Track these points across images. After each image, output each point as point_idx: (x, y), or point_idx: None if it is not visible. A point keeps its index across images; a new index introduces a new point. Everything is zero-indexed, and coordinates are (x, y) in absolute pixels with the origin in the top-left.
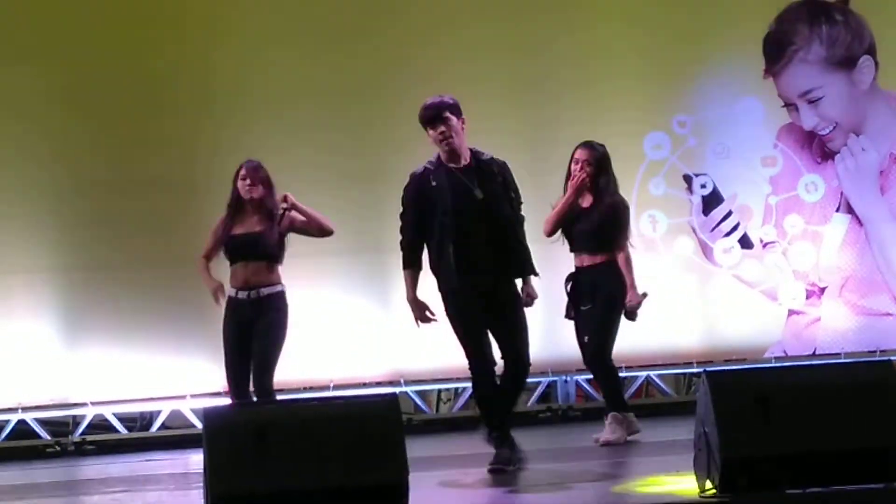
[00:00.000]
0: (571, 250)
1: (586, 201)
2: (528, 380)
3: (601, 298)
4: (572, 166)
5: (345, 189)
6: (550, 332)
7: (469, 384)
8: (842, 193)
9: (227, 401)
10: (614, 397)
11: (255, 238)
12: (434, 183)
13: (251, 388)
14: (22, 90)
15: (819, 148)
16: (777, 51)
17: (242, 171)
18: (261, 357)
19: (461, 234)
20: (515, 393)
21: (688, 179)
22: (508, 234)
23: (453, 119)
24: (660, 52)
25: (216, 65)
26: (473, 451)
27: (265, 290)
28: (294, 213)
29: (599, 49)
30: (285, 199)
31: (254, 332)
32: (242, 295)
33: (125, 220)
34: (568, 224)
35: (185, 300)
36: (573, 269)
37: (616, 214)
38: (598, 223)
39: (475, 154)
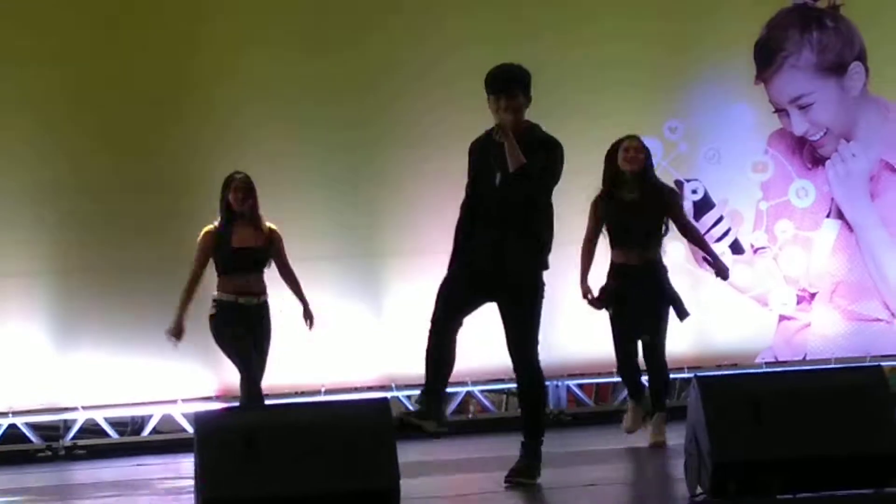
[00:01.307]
0: (618, 245)
1: (633, 192)
2: None
3: (659, 295)
4: (621, 154)
5: (337, 193)
6: (542, 337)
7: (460, 388)
8: (832, 199)
9: (218, 405)
10: (663, 397)
11: (258, 252)
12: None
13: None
14: (10, 94)
15: (810, 154)
16: (768, 57)
17: (234, 184)
18: (262, 363)
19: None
20: (528, 409)
21: (679, 185)
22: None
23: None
24: (651, 57)
25: (210, 69)
26: (466, 456)
27: (264, 298)
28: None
29: (591, 54)
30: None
31: (255, 337)
32: (244, 300)
33: (116, 224)
34: (614, 217)
35: (176, 304)
36: (611, 266)
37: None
38: (659, 218)
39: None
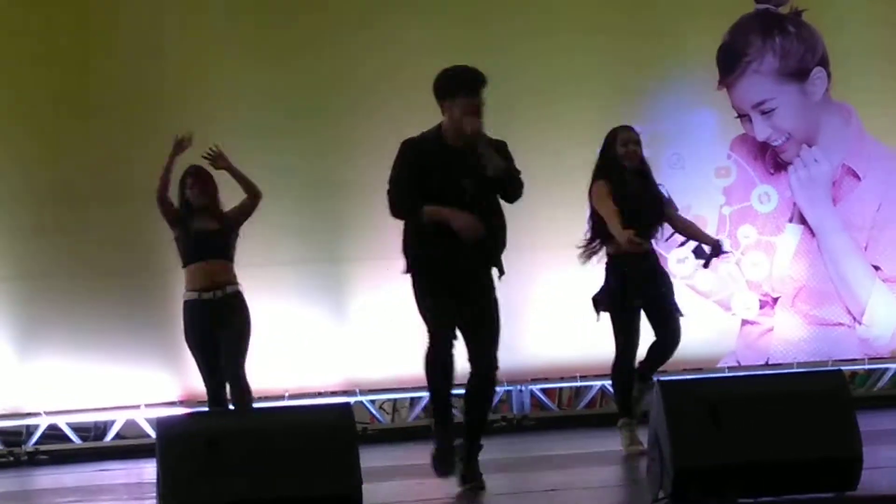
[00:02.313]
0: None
1: (634, 184)
2: None
3: (667, 286)
4: (620, 149)
5: (300, 198)
6: (506, 341)
7: (426, 393)
8: (794, 204)
9: (182, 410)
10: None
11: (217, 235)
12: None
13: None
14: None
15: (772, 159)
16: (730, 62)
17: (189, 179)
18: (233, 358)
19: None
20: (474, 402)
21: None
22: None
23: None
24: (614, 63)
25: (179, 75)
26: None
27: (232, 288)
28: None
29: (554, 59)
30: (213, 149)
31: (223, 332)
32: (207, 295)
33: (79, 230)
34: (631, 206)
35: (139, 310)
36: (621, 258)
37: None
38: (659, 206)
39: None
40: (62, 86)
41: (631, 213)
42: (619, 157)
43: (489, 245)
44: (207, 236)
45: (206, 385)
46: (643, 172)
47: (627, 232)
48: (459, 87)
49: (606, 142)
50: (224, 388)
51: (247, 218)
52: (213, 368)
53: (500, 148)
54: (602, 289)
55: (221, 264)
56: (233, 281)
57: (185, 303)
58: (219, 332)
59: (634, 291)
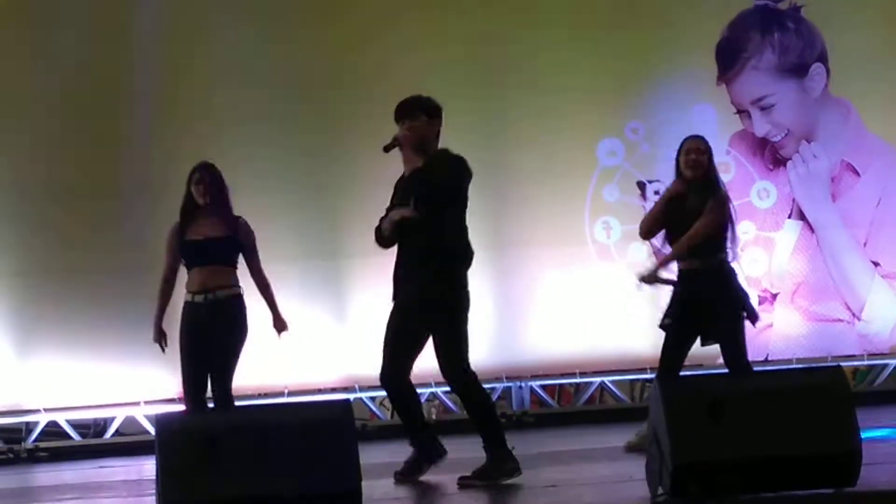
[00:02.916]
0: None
1: (695, 199)
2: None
3: (729, 304)
4: (682, 158)
5: (300, 195)
6: (505, 338)
7: (424, 390)
8: (794, 200)
9: (181, 407)
10: None
11: (213, 243)
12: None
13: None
14: None
15: (771, 155)
16: (729, 58)
17: (196, 175)
18: (223, 365)
19: None
20: (469, 409)
21: (641, 186)
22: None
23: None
24: (613, 58)
25: (170, 70)
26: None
27: (226, 293)
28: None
29: (553, 55)
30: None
31: (213, 336)
32: (199, 298)
33: (78, 227)
34: (676, 221)
35: (139, 306)
36: (678, 273)
37: (729, 214)
38: (718, 223)
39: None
40: (57, 83)
41: (678, 233)
42: (681, 166)
43: (429, 265)
44: (200, 244)
45: (184, 388)
46: (709, 184)
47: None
48: (396, 118)
49: (679, 151)
50: (204, 393)
51: (250, 255)
52: (194, 374)
53: (440, 158)
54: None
55: (220, 269)
56: (229, 284)
57: (184, 303)
58: (210, 337)
59: (670, 310)
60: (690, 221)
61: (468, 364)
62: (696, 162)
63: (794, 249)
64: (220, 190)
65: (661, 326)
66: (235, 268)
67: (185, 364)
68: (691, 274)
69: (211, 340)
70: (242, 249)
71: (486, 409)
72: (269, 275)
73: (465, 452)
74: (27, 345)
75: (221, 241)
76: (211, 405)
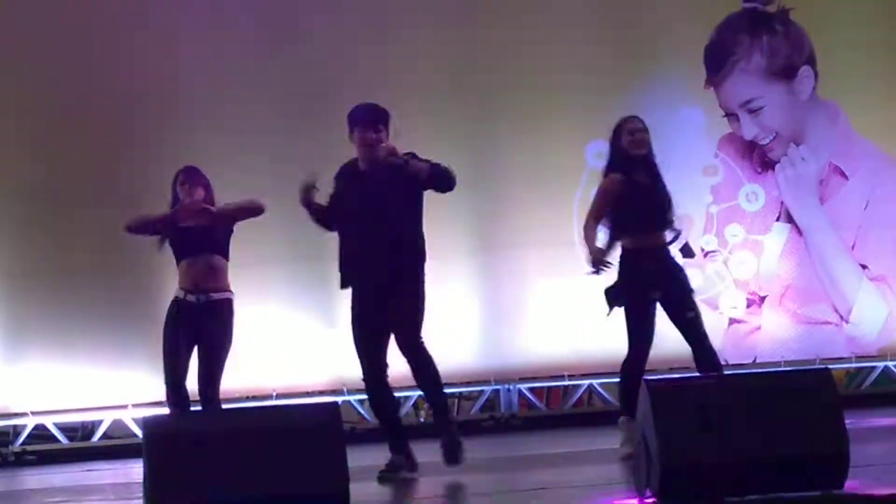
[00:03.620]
0: (641, 230)
1: (641, 176)
2: (471, 388)
3: (685, 279)
4: (626, 137)
5: (286, 197)
6: (493, 341)
7: (412, 392)
8: (782, 203)
9: (168, 410)
10: None
11: (206, 230)
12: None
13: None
14: None
15: (759, 158)
16: (718, 61)
17: (181, 177)
18: (208, 367)
19: None
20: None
21: None
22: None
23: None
24: (601, 60)
25: (162, 80)
26: (418, 460)
27: (216, 296)
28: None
29: (541, 57)
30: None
31: (204, 336)
32: (191, 298)
33: (66, 230)
34: (633, 202)
35: (127, 309)
36: (637, 251)
37: (611, 192)
38: (670, 199)
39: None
40: (55, 85)
41: (647, 210)
42: (626, 146)
43: (396, 259)
44: (197, 231)
45: (167, 384)
46: (651, 160)
47: (597, 252)
48: (354, 123)
49: (614, 133)
50: (183, 390)
51: (244, 216)
52: (175, 373)
53: (409, 156)
54: (616, 282)
55: (214, 261)
56: (223, 287)
57: (174, 300)
58: (201, 337)
59: (651, 284)
60: (659, 197)
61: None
62: (642, 140)
63: (782, 252)
64: (205, 190)
65: (651, 300)
66: (227, 259)
67: (167, 358)
68: (662, 247)
69: (201, 339)
70: (234, 214)
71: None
72: (257, 277)
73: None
74: (14, 348)
75: (209, 229)
76: (197, 407)
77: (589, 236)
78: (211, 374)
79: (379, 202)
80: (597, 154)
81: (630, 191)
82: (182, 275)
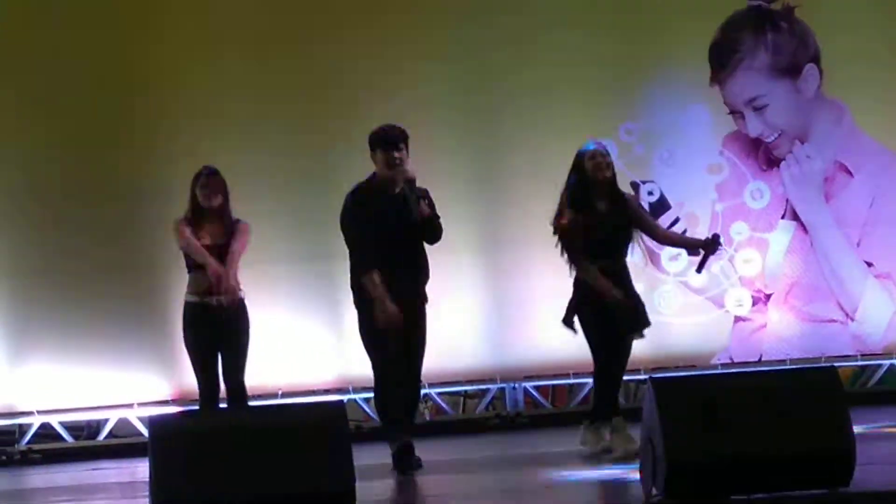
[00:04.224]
0: (599, 257)
1: (603, 202)
2: (477, 387)
3: (638, 304)
4: (589, 162)
5: (293, 195)
6: (498, 339)
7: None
8: (787, 200)
9: (174, 409)
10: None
11: (224, 249)
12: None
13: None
14: None
15: (764, 155)
16: (722, 58)
17: (202, 179)
18: (234, 364)
19: None
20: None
21: (635, 187)
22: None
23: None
24: (606, 60)
25: (169, 73)
26: (423, 458)
27: (229, 297)
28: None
29: (545, 57)
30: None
31: (225, 335)
32: (210, 300)
33: (71, 228)
34: (601, 234)
35: (132, 308)
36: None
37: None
38: (629, 226)
39: None
40: (55, 85)
41: (601, 242)
42: (589, 172)
43: (419, 280)
44: (212, 250)
45: (200, 387)
46: (614, 189)
47: (605, 285)
48: (378, 142)
49: (576, 161)
50: (218, 391)
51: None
52: (208, 374)
53: (424, 196)
54: (573, 308)
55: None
56: (237, 288)
57: (187, 304)
58: (219, 339)
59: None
60: (614, 229)
61: None
62: (606, 164)
63: (787, 250)
64: (224, 196)
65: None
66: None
67: (197, 362)
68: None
69: (223, 338)
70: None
71: None
72: (261, 276)
73: (460, 454)
74: (20, 347)
75: (225, 249)
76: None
77: (593, 276)
78: (238, 367)
79: (415, 222)
80: None
81: (588, 228)
82: (195, 281)
